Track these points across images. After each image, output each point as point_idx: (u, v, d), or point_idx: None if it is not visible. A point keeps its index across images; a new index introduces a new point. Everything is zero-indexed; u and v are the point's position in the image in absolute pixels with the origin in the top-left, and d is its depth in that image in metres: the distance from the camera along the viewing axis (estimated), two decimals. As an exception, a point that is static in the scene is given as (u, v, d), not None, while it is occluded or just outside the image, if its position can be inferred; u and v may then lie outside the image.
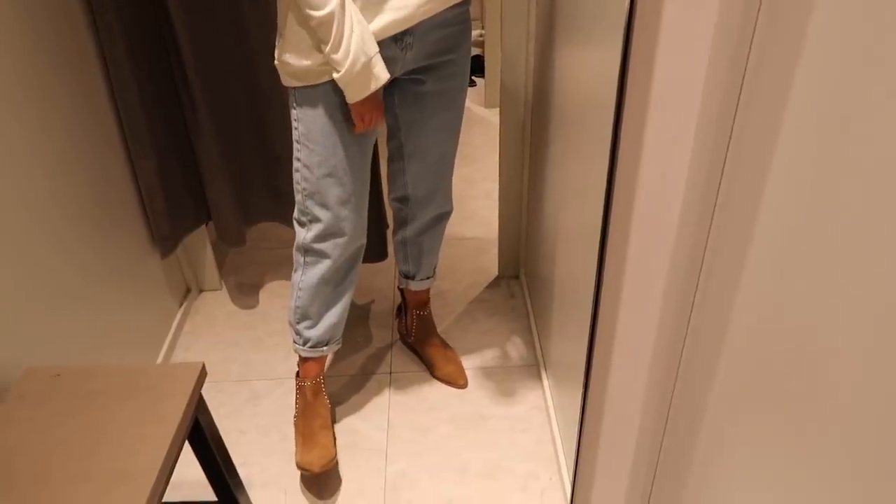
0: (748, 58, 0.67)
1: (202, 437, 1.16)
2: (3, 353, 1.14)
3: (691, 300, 0.79)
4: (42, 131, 1.29)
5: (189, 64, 1.56)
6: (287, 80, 1.23)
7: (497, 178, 2.64)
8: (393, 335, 1.88)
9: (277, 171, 1.81)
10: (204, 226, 1.90)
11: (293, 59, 1.18)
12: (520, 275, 2.06)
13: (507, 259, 2.04)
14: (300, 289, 1.42)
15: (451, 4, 1.21)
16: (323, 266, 1.38)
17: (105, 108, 1.54)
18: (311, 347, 1.48)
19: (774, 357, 0.69)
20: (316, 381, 1.52)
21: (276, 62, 1.24)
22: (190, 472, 1.50)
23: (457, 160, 1.53)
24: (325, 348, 1.49)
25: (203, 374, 1.11)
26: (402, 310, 1.81)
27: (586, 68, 1.07)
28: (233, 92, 1.67)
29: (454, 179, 1.57)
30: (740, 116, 0.69)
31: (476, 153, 2.73)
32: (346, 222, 1.33)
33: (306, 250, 1.38)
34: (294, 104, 1.25)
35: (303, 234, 1.36)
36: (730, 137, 0.71)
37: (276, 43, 1.23)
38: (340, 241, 1.35)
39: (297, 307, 1.44)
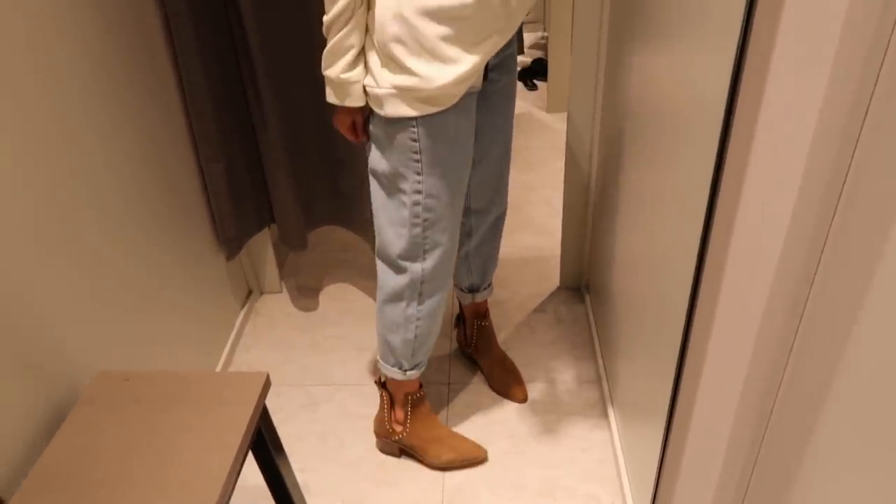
0: (881, 67, 0.60)
1: (264, 446, 1.16)
2: (76, 355, 1.16)
3: (791, 340, 0.73)
4: (115, 134, 1.31)
5: (259, 67, 1.57)
6: (411, 108, 1.09)
7: (558, 185, 2.59)
8: (451, 345, 1.85)
9: (340, 174, 1.81)
10: (266, 228, 1.91)
11: (423, 83, 1.07)
12: (582, 287, 2.00)
13: (570, 270, 1.98)
14: (419, 319, 1.35)
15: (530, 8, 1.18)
16: (445, 289, 1.35)
17: (176, 110, 1.56)
18: (423, 367, 1.47)
19: (891, 414, 0.62)
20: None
21: (380, 89, 1.10)
22: (247, 472, 1.51)
23: (517, 166, 1.49)
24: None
25: (267, 385, 1.10)
26: (461, 319, 1.78)
27: (673, 75, 1.02)
28: (299, 96, 1.67)
29: (513, 186, 1.53)
30: (865, 140, 0.63)
31: (535, 158, 2.68)
32: (458, 238, 1.31)
33: (423, 281, 1.30)
34: (414, 135, 1.12)
35: (418, 268, 1.28)
36: (850, 162, 0.65)
37: (375, 65, 1.11)
38: (453, 260, 1.33)
39: (415, 337, 1.38)
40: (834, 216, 0.69)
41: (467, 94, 1.14)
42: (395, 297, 1.34)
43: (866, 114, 0.63)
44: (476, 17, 1.05)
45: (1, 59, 1.01)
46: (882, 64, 0.60)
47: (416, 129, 1.12)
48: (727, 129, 0.66)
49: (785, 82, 0.62)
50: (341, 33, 1.08)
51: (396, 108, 1.10)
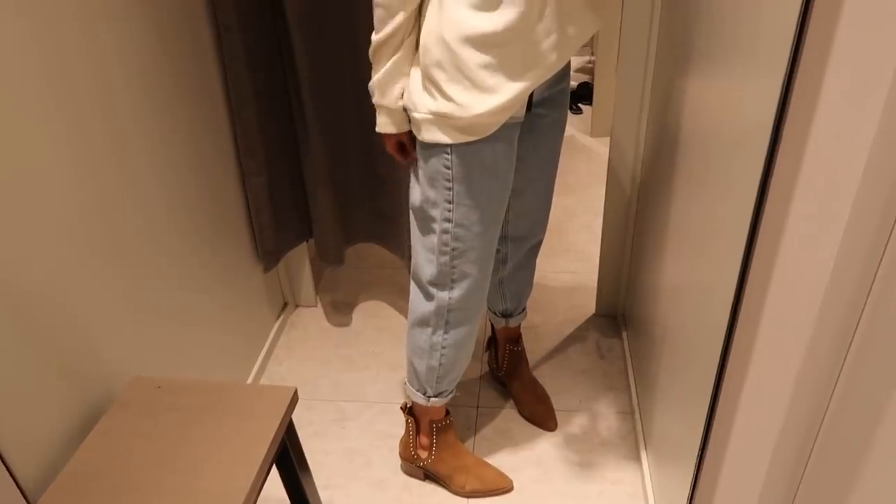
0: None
1: (288, 461, 1.16)
2: (112, 361, 1.19)
3: (834, 380, 0.69)
4: (162, 144, 1.35)
5: (304, 83, 1.60)
6: (447, 135, 1.08)
7: (599, 210, 2.55)
8: (482, 367, 1.83)
9: (380, 192, 1.82)
10: (304, 242, 1.94)
11: (459, 111, 1.06)
12: (618, 316, 1.96)
13: (607, 298, 1.94)
14: (444, 347, 1.34)
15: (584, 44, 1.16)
16: (474, 321, 1.33)
17: (222, 123, 1.60)
18: (448, 395, 1.45)
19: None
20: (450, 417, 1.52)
21: (418, 114, 1.09)
22: (269, 486, 1.51)
23: (558, 190, 1.47)
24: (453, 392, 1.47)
25: (295, 399, 1.10)
26: (492, 342, 1.76)
27: (720, 102, 0.99)
28: (343, 113, 1.70)
29: (554, 210, 1.51)
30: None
31: (578, 183, 2.65)
32: (491, 270, 1.29)
33: (450, 310, 1.29)
34: (448, 163, 1.11)
35: (445, 296, 1.27)
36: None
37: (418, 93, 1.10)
38: (485, 292, 1.31)
39: (439, 365, 1.36)
40: (883, 255, 0.66)
41: (508, 125, 1.12)
42: (423, 322, 1.33)
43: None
44: (515, 46, 1.03)
45: (59, 69, 1.05)
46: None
47: (449, 157, 1.12)
48: (771, 158, 0.64)
49: (836, 110, 0.60)
50: (394, 59, 1.08)
51: (433, 135, 1.10)
